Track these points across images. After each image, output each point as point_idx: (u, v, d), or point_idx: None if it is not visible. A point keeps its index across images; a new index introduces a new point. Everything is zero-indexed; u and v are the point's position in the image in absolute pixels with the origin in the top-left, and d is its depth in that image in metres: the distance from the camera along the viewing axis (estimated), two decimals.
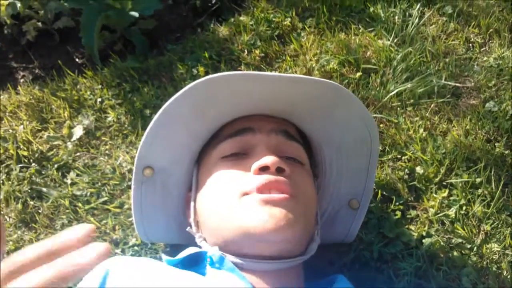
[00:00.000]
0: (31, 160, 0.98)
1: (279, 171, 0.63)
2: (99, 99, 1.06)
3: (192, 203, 0.71)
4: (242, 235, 0.60)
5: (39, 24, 1.20)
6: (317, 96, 0.66)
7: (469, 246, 0.84)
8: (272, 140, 0.68)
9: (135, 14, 1.13)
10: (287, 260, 0.62)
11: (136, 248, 0.87)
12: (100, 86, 1.08)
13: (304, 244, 0.66)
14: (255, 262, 0.60)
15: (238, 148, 0.68)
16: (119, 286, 0.56)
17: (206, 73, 1.08)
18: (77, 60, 1.19)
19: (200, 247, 0.67)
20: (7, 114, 1.06)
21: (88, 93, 1.07)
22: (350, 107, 0.69)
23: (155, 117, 0.67)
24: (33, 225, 0.91)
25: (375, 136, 0.73)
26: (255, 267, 0.61)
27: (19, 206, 0.92)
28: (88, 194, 0.93)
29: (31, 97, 1.07)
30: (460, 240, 0.84)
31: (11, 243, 0.89)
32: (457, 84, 1.03)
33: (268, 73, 0.62)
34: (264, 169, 0.62)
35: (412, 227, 0.87)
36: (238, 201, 0.61)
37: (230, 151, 0.68)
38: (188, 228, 0.69)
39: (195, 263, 0.65)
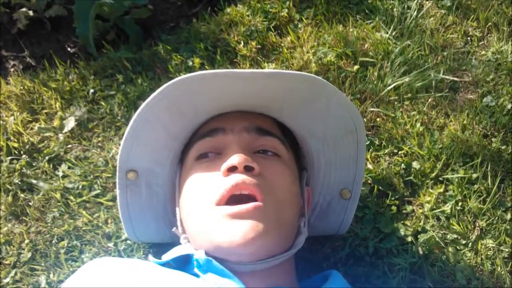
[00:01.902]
0: (22, 152, 0.96)
1: (247, 169, 0.61)
2: (92, 90, 1.04)
3: (177, 208, 0.70)
4: (213, 248, 0.59)
5: (30, 12, 1.17)
6: (295, 90, 0.65)
7: (464, 242, 0.84)
8: (243, 139, 0.66)
9: (129, 3, 1.10)
10: (274, 258, 0.61)
11: (129, 242, 0.86)
12: (92, 77, 1.06)
13: (288, 241, 0.65)
14: (240, 265, 0.59)
15: (212, 148, 0.67)
16: (108, 285, 0.55)
17: (202, 65, 1.06)
18: (69, 49, 1.17)
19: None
20: None
21: (80, 83, 1.05)
22: (330, 98, 0.68)
23: (132, 120, 0.66)
24: (23, 218, 0.89)
25: (360, 125, 0.72)
26: (242, 269, 0.60)
27: (10, 198, 0.91)
28: (80, 187, 0.91)
29: (21, 88, 1.05)
30: (455, 236, 0.84)
31: (1, 235, 0.87)
32: (455, 78, 1.02)
33: (241, 70, 0.61)
34: (232, 169, 0.61)
35: (407, 222, 0.86)
36: (209, 214, 0.60)
37: (203, 151, 0.67)
38: (174, 229, 0.68)
39: (185, 263, 0.64)
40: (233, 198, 0.60)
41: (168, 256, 0.65)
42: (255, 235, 0.57)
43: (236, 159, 0.61)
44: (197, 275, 0.59)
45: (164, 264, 0.64)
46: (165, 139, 0.69)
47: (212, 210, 0.60)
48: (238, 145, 0.65)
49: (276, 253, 0.62)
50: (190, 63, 1.06)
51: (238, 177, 0.60)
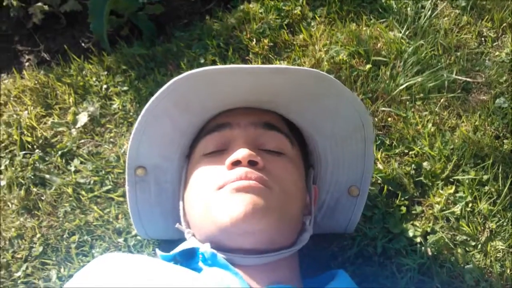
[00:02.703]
0: (35, 146, 0.98)
1: (252, 164, 0.62)
2: (105, 86, 1.05)
3: (180, 202, 0.71)
4: (218, 229, 0.59)
5: (46, 7, 1.19)
6: (302, 86, 0.65)
7: (473, 243, 0.83)
8: (250, 134, 0.67)
9: None
10: (276, 253, 0.61)
11: (138, 237, 0.87)
12: (106, 73, 1.07)
13: (292, 235, 0.66)
14: (242, 257, 0.60)
15: (218, 143, 0.67)
16: (114, 283, 0.56)
17: (214, 62, 1.07)
18: (83, 44, 1.18)
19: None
20: (11, 98, 1.06)
21: (94, 79, 1.07)
22: (338, 95, 0.67)
23: (140, 116, 0.67)
24: (35, 212, 0.91)
25: (368, 122, 0.72)
26: (245, 262, 0.60)
27: (22, 192, 0.92)
28: (92, 182, 0.93)
29: (36, 82, 1.07)
30: (464, 237, 0.84)
31: (13, 229, 0.89)
32: (468, 79, 1.01)
33: (248, 65, 0.61)
34: (237, 163, 0.62)
35: (417, 223, 0.86)
36: (212, 196, 0.61)
37: (210, 147, 0.68)
38: (177, 225, 0.69)
39: (190, 257, 0.65)
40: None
41: (174, 250, 0.66)
42: (254, 208, 0.57)
43: (240, 153, 0.61)
44: (200, 269, 0.60)
45: (170, 258, 0.65)
46: (172, 134, 0.70)
47: (214, 193, 0.61)
48: (243, 139, 0.65)
49: (278, 246, 0.62)
50: (202, 60, 1.07)
51: (242, 170, 0.61)
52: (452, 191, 0.88)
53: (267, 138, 0.68)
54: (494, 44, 1.08)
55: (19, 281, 0.84)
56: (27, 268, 0.86)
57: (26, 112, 1.02)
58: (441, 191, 0.88)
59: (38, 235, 0.88)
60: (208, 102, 0.67)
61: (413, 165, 0.91)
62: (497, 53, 1.06)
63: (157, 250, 0.68)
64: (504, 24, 1.10)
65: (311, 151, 0.76)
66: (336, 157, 0.75)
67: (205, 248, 0.60)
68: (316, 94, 0.67)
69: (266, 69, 0.61)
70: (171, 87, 0.63)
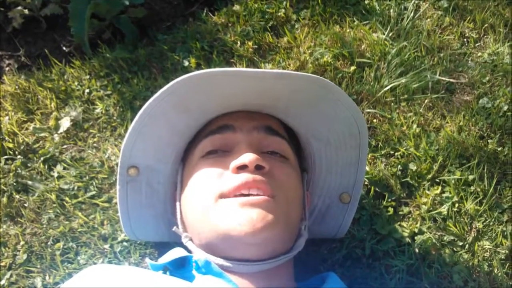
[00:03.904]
0: (17, 152, 0.96)
1: (258, 168, 0.62)
2: (87, 90, 1.03)
3: (177, 203, 0.70)
4: (220, 238, 0.59)
5: (26, 11, 1.16)
6: (302, 91, 0.65)
7: (461, 243, 0.84)
8: (253, 138, 0.66)
9: (125, 2, 1.10)
10: (274, 260, 0.61)
11: (125, 243, 0.85)
12: (88, 77, 1.05)
13: (290, 242, 0.66)
14: (240, 265, 0.59)
15: (220, 146, 0.67)
16: None
17: (198, 65, 1.06)
18: (64, 48, 1.16)
19: (186, 247, 0.66)
20: None
21: (76, 83, 1.05)
22: (336, 101, 0.68)
23: (137, 116, 0.66)
24: (18, 219, 0.89)
25: (364, 129, 0.73)
26: (241, 269, 0.60)
27: (4, 199, 0.90)
28: (76, 188, 0.91)
29: (16, 87, 1.04)
30: (452, 238, 0.84)
31: None
32: (451, 80, 1.02)
33: (251, 70, 0.60)
34: (242, 168, 0.61)
35: (404, 224, 0.86)
36: (215, 203, 0.60)
37: (211, 148, 0.67)
38: (174, 228, 0.68)
39: (181, 265, 0.64)
40: (241, 196, 0.60)
41: (164, 259, 0.65)
42: (264, 224, 0.57)
43: (247, 157, 0.60)
44: (193, 277, 0.59)
45: (161, 267, 0.64)
46: (169, 136, 0.69)
47: (217, 200, 0.60)
48: (247, 143, 0.65)
49: (278, 254, 0.62)
50: (187, 63, 1.06)
51: (248, 176, 0.60)
52: (438, 191, 0.88)
53: (269, 142, 0.68)
54: (477, 44, 1.09)
55: None
56: (11, 276, 0.83)
57: (7, 117, 1.00)
58: (427, 192, 0.89)
59: (22, 243, 0.86)
60: (208, 104, 0.66)
61: (399, 166, 0.91)
62: (479, 53, 1.08)
63: (146, 259, 0.67)
64: (486, 25, 1.11)
65: (306, 156, 0.76)
66: (330, 162, 0.75)
67: (199, 256, 0.59)
68: (316, 100, 0.67)
69: (270, 74, 0.60)
70: (171, 89, 0.62)
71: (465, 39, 1.11)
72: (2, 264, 0.85)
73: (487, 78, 1.02)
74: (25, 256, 0.85)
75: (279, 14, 1.14)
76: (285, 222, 0.61)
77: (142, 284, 0.56)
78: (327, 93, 0.66)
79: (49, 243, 0.86)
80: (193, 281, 0.59)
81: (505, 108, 0.97)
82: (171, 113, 0.66)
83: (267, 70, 0.61)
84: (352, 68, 1.03)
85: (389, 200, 0.88)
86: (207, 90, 0.63)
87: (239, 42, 1.09)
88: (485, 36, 1.11)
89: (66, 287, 0.57)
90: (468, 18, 1.12)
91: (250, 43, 1.08)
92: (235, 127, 0.67)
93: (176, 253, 0.64)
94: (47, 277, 0.83)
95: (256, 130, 0.67)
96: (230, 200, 0.59)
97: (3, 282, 0.83)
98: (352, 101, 0.69)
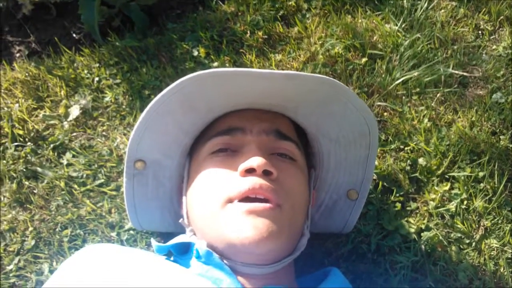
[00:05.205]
0: (27, 139, 0.96)
1: (266, 173, 0.61)
2: (97, 78, 1.03)
3: (184, 197, 0.70)
4: (224, 244, 0.59)
5: None
6: (312, 91, 0.65)
7: (467, 241, 0.83)
8: (262, 141, 0.66)
9: None
10: (277, 264, 0.61)
11: (131, 232, 0.86)
12: (97, 65, 1.05)
13: (293, 244, 0.66)
14: (243, 265, 0.60)
15: (229, 146, 0.67)
16: (98, 274, 0.56)
17: (207, 54, 1.05)
18: (74, 35, 1.16)
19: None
20: (2, 91, 1.04)
21: (85, 71, 1.05)
22: (347, 102, 0.67)
23: (144, 111, 0.66)
24: (27, 205, 0.90)
25: (374, 129, 0.72)
26: (244, 271, 0.60)
27: (14, 185, 0.91)
28: (84, 175, 0.92)
29: (26, 74, 1.05)
30: (459, 235, 0.83)
31: (5, 223, 0.88)
32: (465, 73, 1.00)
33: (260, 70, 0.59)
34: (250, 171, 0.61)
35: (411, 220, 0.85)
36: (222, 209, 0.60)
37: (220, 146, 0.67)
38: (180, 220, 0.68)
39: (184, 251, 0.65)
40: (247, 199, 0.60)
41: (170, 242, 0.65)
42: (268, 235, 0.57)
43: (255, 161, 0.60)
44: (189, 265, 0.60)
45: (165, 250, 0.65)
46: (175, 133, 0.69)
47: (224, 205, 0.60)
48: (257, 146, 0.64)
49: (281, 258, 0.62)
50: (196, 53, 1.05)
51: (256, 181, 0.60)
52: (447, 188, 0.87)
53: (279, 145, 0.67)
54: (491, 37, 1.07)
55: (11, 275, 0.84)
56: (19, 261, 0.85)
57: (17, 104, 1.01)
58: (436, 188, 0.88)
59: (30, 229, 0.87)
60: (215, 103, 0.66)
61: (408, 161, 0.90)
62: (494, 46, 1.05)
63: (152, 240, 0.68)
64: (501, 17, 1.08)
65: (314, 152, 0.76)
66: (339, 160, 0.75)
67: (200, 245, 0.59)
68: (325, 100, 0.67)
69: (280, 74, 0.60)
70: (179, 87, 0.62)
71: (479, 32, 1.08)
72: (11, 249, 0.86)
73: (502, 72, 1.00)
74: (33, 242, 0.86)
75: (290, 3, 1.12)
76: (288, 231, 0.61)
77: (139, 267, 0.57)
78: (337, 93, 0.65)
79: (57, 229, 0.87)
80: (189, 268, 0.59)
81: None
82: (177, 110, 0.65)
83: (277, 71, 0.60)
84: (364, 59, 1.02)
85: (397, 195, 0.87)
86: (214, 89, 0.63)
87: (249, 32, 1.08)
88: (500, 29, 1.08)
89: (65, 267, 0.59)
90: (483, 10, 1.10)
91: (260, 33, 1.07)
92: (245, 129, 0.67)
93: (182, 237, 0.65)
94: (54, 263, 0.84)
95: (265, 133, 0.67)
96: (236, 206, 0.59)
97: (11, 267, 0.84)
98: (362, 101, 0.68)
